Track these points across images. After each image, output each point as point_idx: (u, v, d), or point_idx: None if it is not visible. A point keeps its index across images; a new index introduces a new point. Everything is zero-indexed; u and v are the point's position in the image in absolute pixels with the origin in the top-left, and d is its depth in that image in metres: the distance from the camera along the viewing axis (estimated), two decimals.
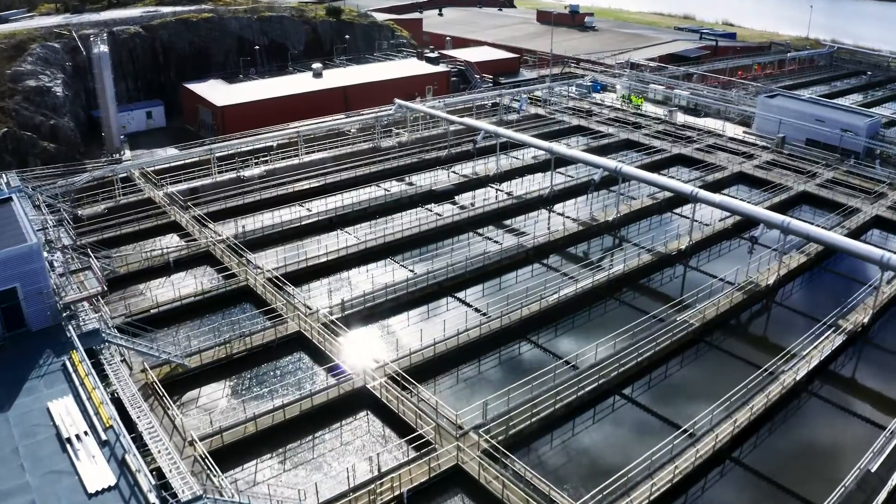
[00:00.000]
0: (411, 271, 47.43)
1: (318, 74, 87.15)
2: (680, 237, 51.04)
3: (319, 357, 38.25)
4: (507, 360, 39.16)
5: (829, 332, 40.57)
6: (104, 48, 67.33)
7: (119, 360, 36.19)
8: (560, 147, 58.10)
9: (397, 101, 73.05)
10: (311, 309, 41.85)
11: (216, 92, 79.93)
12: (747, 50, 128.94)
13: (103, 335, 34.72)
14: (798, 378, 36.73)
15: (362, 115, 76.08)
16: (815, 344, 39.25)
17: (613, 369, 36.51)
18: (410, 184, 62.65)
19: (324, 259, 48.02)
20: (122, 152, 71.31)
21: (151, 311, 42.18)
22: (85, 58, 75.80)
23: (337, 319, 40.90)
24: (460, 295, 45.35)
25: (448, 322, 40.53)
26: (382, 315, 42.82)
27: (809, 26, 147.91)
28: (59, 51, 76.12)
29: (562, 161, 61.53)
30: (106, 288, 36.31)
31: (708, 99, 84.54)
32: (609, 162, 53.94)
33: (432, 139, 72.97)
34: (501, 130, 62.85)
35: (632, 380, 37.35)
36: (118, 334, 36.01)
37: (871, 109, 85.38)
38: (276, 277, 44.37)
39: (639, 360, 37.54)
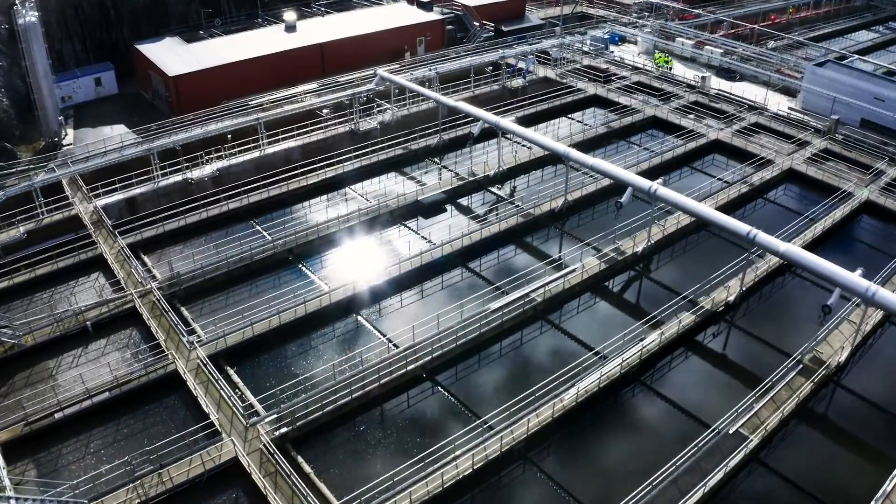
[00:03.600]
0: (387, 341, 37.46)
1: (291, 27, 74.71)
2: (728, 287, 40.59)
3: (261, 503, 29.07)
4: None
5: None
6: (33, 17, 55.38)
7: None
8: (578, 154, 46.67)
9: (379, 72, 61.17)
10: (259, 414, 32.46)
11: (170, 56, 67.83)
12: None
13: None
14: None
15: (338, 86, 64.49)
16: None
17: None
18: (392, 189, 51.80)
19: (276, 323, 37.82)
20: (62, 134, 60.65)
21: (55, 414, 32.91)
22: None
23: (287, 433, 31.67)
24: (448, 380, 35.66)
25: (433, 434, 31.11)
26: (345, 419, 33.16)
27: None
28: None
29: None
30: None
31: (745, 65, 71.54)
32: (641, 181, 42.87)
33: (421, 119, 61.41)
34: (504, 123, 51.30)
35: None
36: None
37: None
38: (209, 368, 34.56)
39: None
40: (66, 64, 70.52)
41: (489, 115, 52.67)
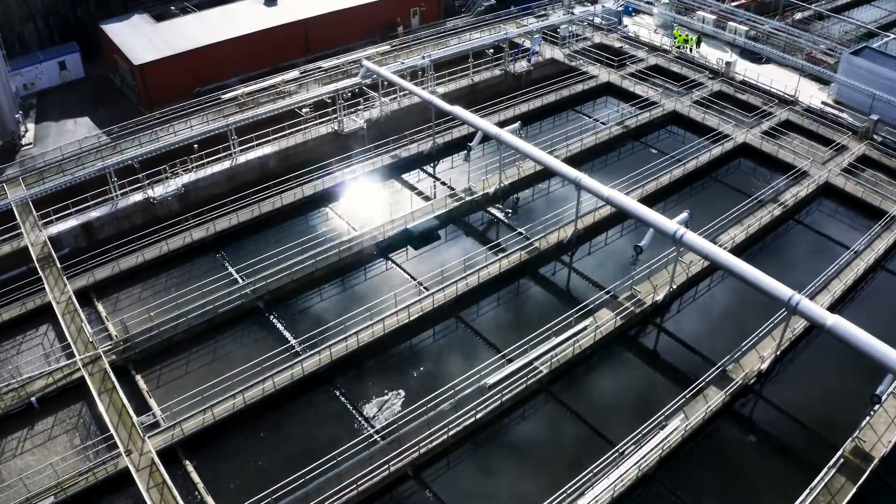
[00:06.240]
0: (373, 432, 32.56)
1: (271, 0, 67.95)
2: (763, 357, 35.34)
3: None
4: None
5: None
6: None
7: None
8: (592, 183, 40.31)
9: (364, 63, 54.60)
10: None
11: (137, 38, 61.49)
12: None
13: None
14: None
15: (320, 73, 58.27)
16: None
17: None
18: (378, 212, 46.06)
19: (240, 405, 32.80)
20: (21, 133, 55.30)
21: None
22: None
23: None
24: (437, 480, 31.01)
25: None
26: None
27: None
28: None
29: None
30: None
31: (773, 49, 64.01)
32: (667, 223, 36.96)
33: (412, 113, 55.02)
34: (506, 136, 44.98)
35: None
36: None
37: None
38: (162, 471, 29.84)
39: None
40: (28, 46, 64.47)
41: (489, 127, 46.47)
